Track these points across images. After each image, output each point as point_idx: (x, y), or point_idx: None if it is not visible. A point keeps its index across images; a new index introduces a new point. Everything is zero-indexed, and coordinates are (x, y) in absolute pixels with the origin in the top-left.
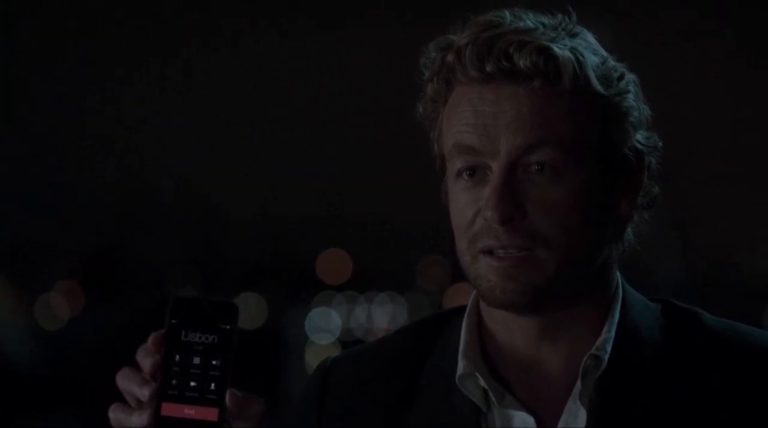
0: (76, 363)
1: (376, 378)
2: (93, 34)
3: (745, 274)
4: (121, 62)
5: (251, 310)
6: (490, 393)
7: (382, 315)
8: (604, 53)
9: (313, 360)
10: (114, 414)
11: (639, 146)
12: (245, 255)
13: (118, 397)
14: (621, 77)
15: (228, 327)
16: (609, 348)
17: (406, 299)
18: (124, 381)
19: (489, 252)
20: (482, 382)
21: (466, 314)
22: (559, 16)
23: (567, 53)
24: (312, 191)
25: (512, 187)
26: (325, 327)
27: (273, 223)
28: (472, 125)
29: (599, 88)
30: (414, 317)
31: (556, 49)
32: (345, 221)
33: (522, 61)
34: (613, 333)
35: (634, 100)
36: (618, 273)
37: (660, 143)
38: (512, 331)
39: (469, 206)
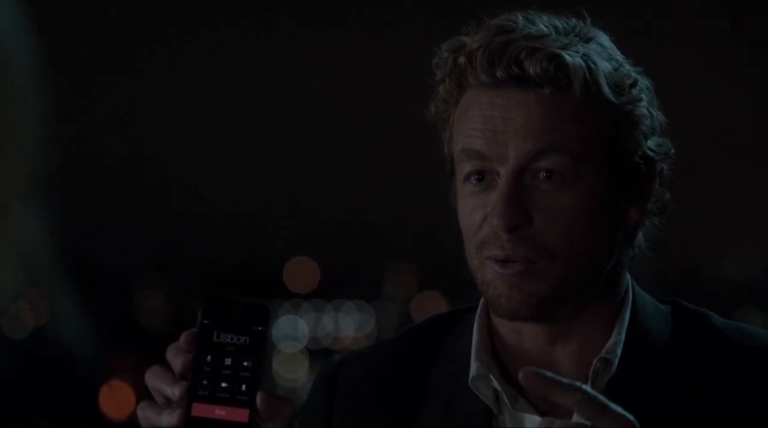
0: (41, 370)
1: (384, 379)
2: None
3: (712, 281)
4: (104, 61)
5: None
6: (503, 396)
7: (349, 323)
8: (619, 58)
9: (280, 367)
10: (143, 412)
11: (650, 154)
12: (212, 263)
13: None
14: (634, 84)
15: (260, 329)
16: (619, 351)
17: (374, 308)
18: (154, 380)
19: (495, 259)
20: (495, 384)
21: (477, 315)
22: (573, 19)
23: (578, 60)
24: (279, 199)
25: (519, 194)
26: (292, 334)
27: (240, 231)
28: (481, 130)
29: (610, 96)
30: (381, 326)
31: (566, 56)
32: (312, 229)
33: (532, 68)
34: (623, 336)
35: (646, 107)
36: (628, 276)
37: (672, 150)
38: (521, 334)
39: (476, 211)
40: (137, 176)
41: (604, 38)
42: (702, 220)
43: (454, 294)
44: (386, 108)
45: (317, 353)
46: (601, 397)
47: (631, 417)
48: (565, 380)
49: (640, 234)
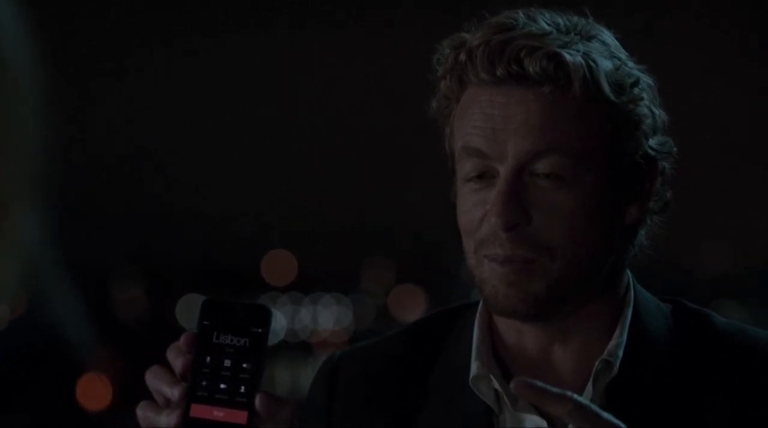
0: (16, 365)
1: (385, 377)
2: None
3: (689, 275)
4: (91, 58)
5: (195, 311)
6: (504, 396)
7: (327, 317)
8: (622, 56)
9: None
10: (142, 412)
11: (651, 153)
12: (189, 256)
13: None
14: (635, 83)
15: (260, 331)
16: (620, 352)
17: (351, 301)
18: (154, 380)
19: (493, 258)
20: (496, 384)
21: (478, 314)
22: (576, 17)
23: (578, 59)
24: (257, 192)
25: (518, 192)
26: None
27: (218, 224)
28: (481, 128)
29: (611, 95)
30: (359, 319)
31: (566, 55)
32: (290, 222)
33: (532, 67)
34: (624, 338)
35: (648, 106)
36: (629, 275)
37: (675, 148)
38: (521, 333)
39: (476, 209)
40: (115, 170)
41: (607, 36)
42: (679, 214)
43: (431, 287)
44: (370, 107)
45: (295, 346)
46: (592, 406)
47: (623, 425)
48: (555, 390)
49: (641, 233)
